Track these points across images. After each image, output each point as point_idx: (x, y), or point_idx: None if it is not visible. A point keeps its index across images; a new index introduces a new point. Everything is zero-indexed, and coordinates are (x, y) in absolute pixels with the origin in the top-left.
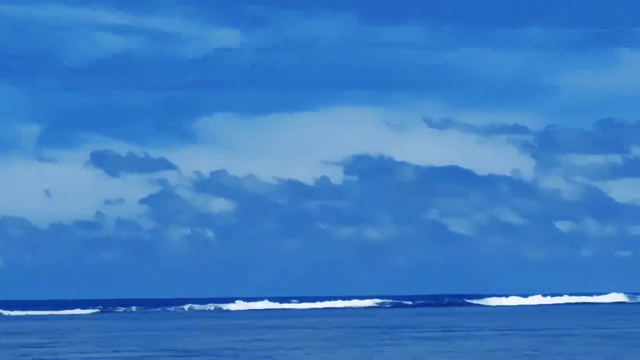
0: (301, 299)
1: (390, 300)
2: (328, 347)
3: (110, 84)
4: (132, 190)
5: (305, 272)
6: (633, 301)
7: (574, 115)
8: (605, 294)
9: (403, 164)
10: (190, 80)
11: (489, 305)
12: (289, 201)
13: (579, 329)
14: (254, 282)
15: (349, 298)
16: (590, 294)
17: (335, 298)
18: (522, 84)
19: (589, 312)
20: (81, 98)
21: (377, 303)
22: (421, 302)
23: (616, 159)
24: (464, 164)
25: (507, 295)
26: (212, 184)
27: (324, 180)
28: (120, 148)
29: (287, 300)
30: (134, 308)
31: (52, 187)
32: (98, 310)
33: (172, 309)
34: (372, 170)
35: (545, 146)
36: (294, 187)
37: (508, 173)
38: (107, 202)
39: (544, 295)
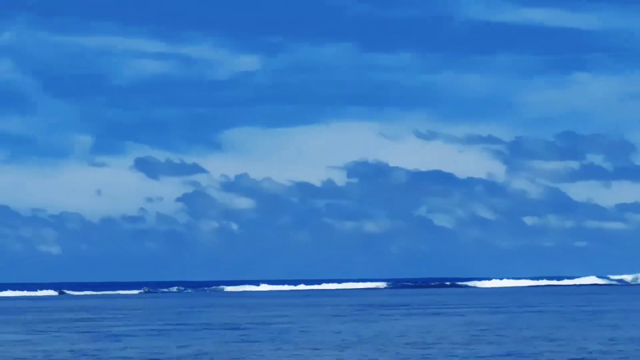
0: (309, 282)
1: (385, 283)
2: (331, 320)
3: (150, 101)
4: (169, 190)
5: (314, 259)
6: (606, 283)
7: (538, 127)
8: (568, 278)
9: (396, 168)
10: (217, 98)
11: (470, 286)
12: (299, 200)
13: (547, 306)
14: (270, 267)
15: (351, 281)
16: (558, 278)
17: (339, 281)
18: (494, 101)
19: (559, 293)
20: (126, 113)
21: (374, 285)
22: (411, 284)
23: (574, 164)
24: (447, 168)
25: (484, 279)
26: (236, 185)
27: (330, 182)
28: (159, 155)
29: (296, 282)
30: (173, 289)
31: (102, 187)
32: (143, 291)
33: (205, 289)
34: (370, 173)
35: (514, 154)
36: (304, 188)
37: (483, 176)
38: (149, 200)
39: (516, 278)
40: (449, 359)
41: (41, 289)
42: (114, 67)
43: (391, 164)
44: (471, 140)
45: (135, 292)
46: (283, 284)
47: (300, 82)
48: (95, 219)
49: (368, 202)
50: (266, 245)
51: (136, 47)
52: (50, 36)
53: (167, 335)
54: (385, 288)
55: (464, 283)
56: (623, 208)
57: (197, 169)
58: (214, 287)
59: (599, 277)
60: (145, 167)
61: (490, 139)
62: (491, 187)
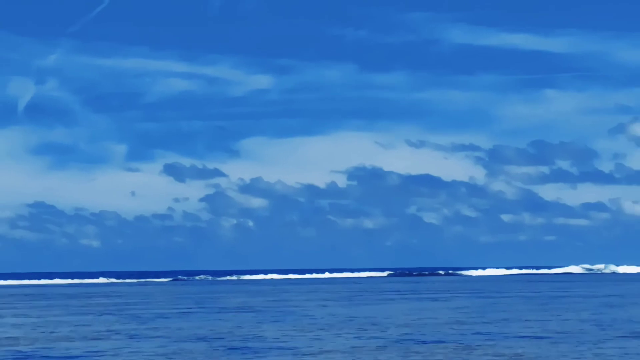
0: (314, 271)
1: (380, 273)
2: (333, 304)
3: (177, 115)
4: (193, 191)
5: (318, 251)
6: (586, 272)
7: (513, 137)
8: (543, 267)
9: (390, 172)
10: (235, 112)
11: (462, 275)
12: (306, 199)
13: (524, 292)
14: (280, 259)
15: (351, 271)
16: (535, 268)
17: (340, 270)
18: (475, 114)
19: (533, 280)
20: (156, 125)
21: (371, 274)
22: (404, 272)
23: (544, 169)
24: (434, 173)
25: (467, 269)
26: (251, 187)
27: (332, 184)
28: (185, 161)
29: (303, 272)
30: (196, 277)
31: (136, 189)
32: (171, 279)
33: (224, 277)
34: (367, 177)
35: (492, 160)
36: (310, 190)
37: (466, 179)
38: (176, 200)
39: (496, 268)
40: (432, 336)
41: (82, 278)
42: (146, 86)
43: (385, 169)
44: (455, 148)
45: (165, 280)
46: (292, 273)
47: (306, 99)
48: (130, 216)
49: (366, 201)
50: (277, 239)
51: (165, 68)
52: (91, 59)
53: (190, 317)
54: (380, 277)
55: (457, 272)
56: (587, 207)
57: (217, 173)
58: (232, 275)
59: (575, 265)
60: (173, 171)
61: (472, 147)
62: (473, 189)
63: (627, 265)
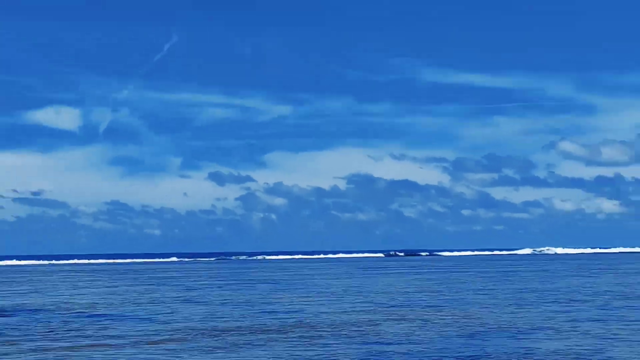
0: (321, 253)
1: (371, 254)
2: (337, 277)
3: (218, 135)
4: (231, 192)
5: (325, 238)
6: (537, 253)
7: (471, 151)
8: (494, 250)
9: (378, 178)
10: (262, 133)
11: (430, 256)
12: (315, 199)
13: (480, 269)
14: (296, 243)
15: (349, 252)
16: (490, 250)
17: (341, 252)
18: (443, 135)
19: (489, 260)
20: (203, 142)
21: (366, 255)
22: (389, 254)
23: (494, 175)
24: (412, 178)
25: (438, 251)
26: (275, 190)
27: (335, 187)
28: (224, 170)
29: (313, 253)
30: (232, 257)
31: (187, 191)
32: (214, 259)
33: (253, 257)
34: (361, 182)
35: (455, 169)
36: (318, 191)
37: (435, 184)
38: (217, 199)
39: (458, 251)
40: (408, 300)
41: (146, 258)
42: (195, 113)
43: (375, 176)
44: (428, 160)
45: (210, 259)
46: (304, 254)
47: (316, 123)
48: (182, 212)
49: (360, 200)
50: (294, 229)
51: (209, 100)
52: (153, 93)
53: (228, 287)
54: (371, 258)
55: (434, 253)
56: (527, 204)
57: (248, 179)
58: (259, 256)
59: (528, 248)
60: (215, 178)
61: (440, 159)
62: (441, 191)
63: (562, 248)
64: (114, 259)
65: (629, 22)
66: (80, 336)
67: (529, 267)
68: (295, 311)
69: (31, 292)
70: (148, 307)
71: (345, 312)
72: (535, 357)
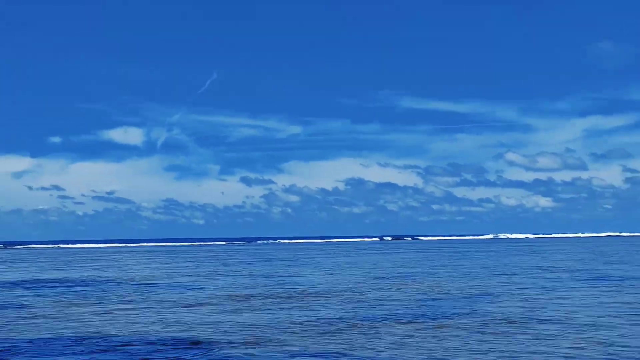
0: (325, 238)
1: (363, 239)
2: (342, 255)
3: (247, 148)
4: (257, 192)
5: (328, 226)
6: (497, 238)
7: (439, 160)
8: (459, 236)
9: (368, 181)
10: (280, 147)
11: (409, 241)
12: (321, 197)
13: (450, 250)
14: (307, 231)
15: (347, 238)
16: (454, 235)
17: (341, 237)
18: (417, 148)
19: (455, 242)
20: (235, 154)
21: (359, 240)
22: (376, 239)
23: (456, 179)
24: (394, 181)
25: (415, 236)
26: (290, 190)
27: (336, 188)
28: (252, 175)
29: (319, 238)
30: (258, 241)
31: (224, 190)
32: (244, 242)
33: (275, 241)
34: (355, 183)
35: (428, 174)
36: (323, 191)
37: (412, 185)
38: (247, 197)
39: (430, 236)
40: (390, 274)
41: (193, 242)
42: (229, 132)
43: (365, 179)
44: (406, 167)
45: (241, 243)
46: (312, 239)
47: (321, 139)
48: (221, 206)
49: (355, 197)
50: (304, 219)
51: (240, 122)
52: (198, 116)
53: (255, 264)
54: (364, 241)
55: (415, 238)
56: (481, 200)
57: (270, 182)
58: (278, 240)
59: (487, 235)
60: (245, 181)
61: (415, 167)
62: (415, 190)
63: (510, 233)
64: (168, 242)
65: (559, 60)
66: (132, 301)
67: (483, 248)
68: (306, 283)
69: (105, 268)
70: (190, 278)
71: (341, 282)
72: (476, 315)
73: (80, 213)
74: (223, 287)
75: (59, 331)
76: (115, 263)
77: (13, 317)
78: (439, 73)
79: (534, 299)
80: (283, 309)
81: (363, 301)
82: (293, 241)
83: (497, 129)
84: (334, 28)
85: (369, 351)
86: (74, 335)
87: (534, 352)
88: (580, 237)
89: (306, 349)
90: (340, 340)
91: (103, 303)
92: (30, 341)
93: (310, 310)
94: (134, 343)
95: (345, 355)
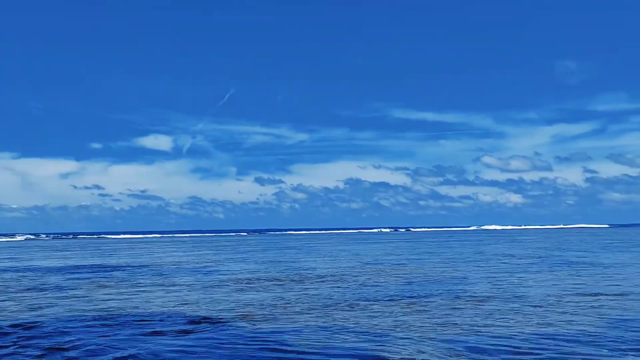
0: (328, 229)
1: (362, 230)
2: (341, 244)
3: (260, 153)
4: (269, 190)
5: (331, 220)
6: (480, 229)
7: (425, 163)
8: (443, 227)
9: (365, 181)
10: (289, 152)
11: (403, 232)
12: (324, 195)
13: (440, 239)
14: (312, 223)
15: (347, 229)
16: (438, 227)
17: (343, 228)
18: (406, 153)
19: (443, 233)
20: (250, 158)
21: (357, 232)
22: (372, 230)
23: (440, 178)
24: (386, 180)
25: (405, 228)
26: (298, 188)
27: (337, 187)
28: (265, 175)
29: (322, 230)
30: (270, 233)
31: (240, 189)
32: (257, 234)
33: (284, 233)
34: (353, 183)
35: (415, 174)
36: (326, 190)
37: (402, 184)
38: (260, 194)
39: (419, 227)
40: (382, 260)
41: (214, 233)
42: (244, 139)
43: (362, 179)
44: (397, 169)
45: (254, 234)
46: (317, 230)
47: (324, 144)
48: (238, 203)
49: (354, 195)
50: (310, 214)
51: (254, 130)
52: (218, 126)
53: (266, 252)
54: (362, 233)
55: (407, 229)
56: (462, 197)
57: (280, 182)
58: (286, 231)
59: (471, 226)
60: (259, 181)
61: (405, 168)
62: (405, 189)
63: (488, 225)
64: (192, 233)
65: (529, 76)
66: (154, 283)
67: (463, 238)
68: (307, 267)
69: (137, 255)
70: (207, 263)
71: (339, 267)
72: (453, 295)
73: (117, 209)
74: (237, 271)
75: (83, 309)
76: (146, 251)
77: (49, 297)
78: (425, 88)
79: (499, 280)
80: (289, 289)
81: (356, 283)
82: (300, 233)
83: (475, 135)
84: (335, 50)
85: (350, 323)
86: (97, 313)
87: (490, 325)
88: (546, 228)
89: (294, 322)
90: (325, 316)
91: (128, 285)
92: (57, 317)
93: (311, 289)
94: (147, 319)
95: (326, 328)
